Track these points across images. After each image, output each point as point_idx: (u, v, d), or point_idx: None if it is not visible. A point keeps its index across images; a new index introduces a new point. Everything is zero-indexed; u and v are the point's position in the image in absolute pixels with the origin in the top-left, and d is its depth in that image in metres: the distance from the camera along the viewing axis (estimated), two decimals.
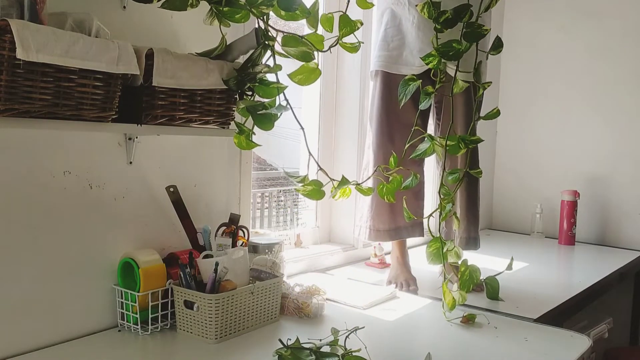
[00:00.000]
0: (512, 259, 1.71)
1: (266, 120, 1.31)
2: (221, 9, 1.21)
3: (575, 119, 2.82)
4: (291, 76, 1.35)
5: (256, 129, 1.34)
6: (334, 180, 1.45)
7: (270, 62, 1.32)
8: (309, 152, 1.39)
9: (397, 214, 1.87)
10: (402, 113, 1.83)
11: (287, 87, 1.32)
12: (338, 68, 2.19)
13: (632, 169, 2.68)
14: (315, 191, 1.38)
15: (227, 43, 1.35)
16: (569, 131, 2.83)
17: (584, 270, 2.31)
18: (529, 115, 2.99)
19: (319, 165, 1.42)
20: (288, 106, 1.32)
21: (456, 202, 1.86)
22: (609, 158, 2.74)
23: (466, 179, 1.82)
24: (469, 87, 1.82)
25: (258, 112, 1.30)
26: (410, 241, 2.02)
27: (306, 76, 1.36)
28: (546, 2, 2.89)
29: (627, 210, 2.70)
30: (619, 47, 2.70)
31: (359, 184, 1.51)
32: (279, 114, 1.32)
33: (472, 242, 1.85)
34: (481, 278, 1.66)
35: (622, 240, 2.70)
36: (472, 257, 2.15)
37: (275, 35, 1.31)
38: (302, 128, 1.36)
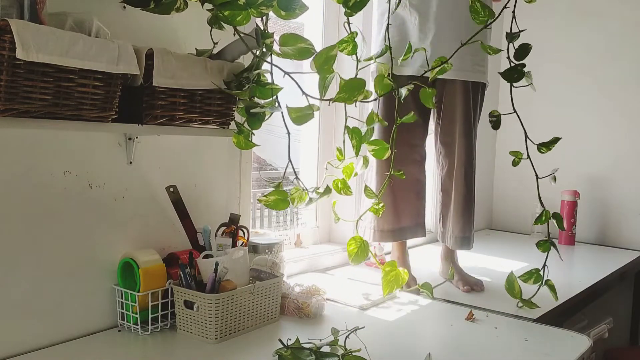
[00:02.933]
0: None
1: (255, 119, 1.31)
2: (222, 13, 1.21)
3: (575, 119, 2.82)
4: (290, 111, 1.31)
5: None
6: (305, 189, 1.40)
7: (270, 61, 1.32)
8: (289, 159, 1.35)
9: (401, 214, 1.87)
10: (404, 113, 1.83)
11: (282, 88, 1.32)
12: (338, 68, 2.18)
13: (632, 169, 2.68)
14: (278, 202, 1.34)
15: (226, 44, 1.35)
16: (569, 131, 2.83)
17: (584, 270, 2.31)
18: (529, 115, 2.97)
19: (296, 175, 1.39)
20: (279, 107, 1.32)
21: (451, 200, 1.86)
22: (609, 158, 2.74)
23: (462, 177, 1.82)
24: (467, 88, 1.82)
25: (249, 112, 1.30)
26: (410, 241, 2.02)
27: (301, 116, 1.32)
28: (546, 2, 2.89)
29: (627, 210, 2.70)
30: (619, 48, 2.70)
31: (317, 189, 1.46)
32: (267, 115, 1.32)
33: (465, 242, 1.85)
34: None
35: (622, 240, 2.70)
36: (472, 257, 2.16)
37: (272, 37, 1.31)
38: (288, 132, 1.34)
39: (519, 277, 1.66)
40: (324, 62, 1.30)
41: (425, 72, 1.53)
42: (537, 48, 2.93)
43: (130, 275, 1.35)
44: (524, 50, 1.60)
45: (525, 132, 1.71)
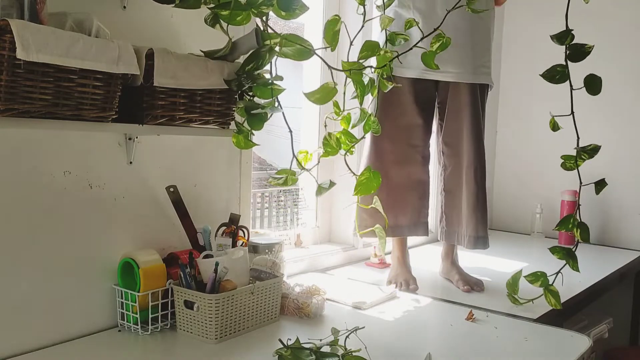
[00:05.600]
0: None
1: (257, 120, 1.31)
2: (222, 13, 1.20)
3: (575, 119, 2.81)
4: (308, 95, 1.33)
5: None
6: (318, 181, 1.41)
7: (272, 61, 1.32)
8: (294, 154, 1.36)
9: (398, 211, 1.87)
10: (403, 114, 1.83)
11: (284, 89, 1.32)
12: (338, 67, 2.18)
13: (632, 169, 2.68)
14: (287, 179, 1.35)
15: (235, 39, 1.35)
16: (569, 131, 2.83)
17: (584, 270, 2.30)
18: (529, 115, 2.98)
19: (302, 167, 1.39)
20: (279, 108, 1.32)
21: (461, 200, 1.86)
22: (609, 158, 2.74)
23: (473, 177, 1.82)
24: (475, 89, 1.82)
25: (250, 112, 1.30)
26: (410, 241, 2.02)
27: (323, 95, 1.35)
28: (546, 2, 2.89)
29: (627, 210, 2.70)
30: (619, 47, 2.69)
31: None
32: (269, 115, 1.31)
33: (480, 241, 1.83)
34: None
35: (622, 240, 2.70)
36: (472, 257, 2.16)
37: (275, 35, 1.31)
38: (291, 131, 1.34)
39: (524, 276, 1.65)
40: (332, 38, 1.34)
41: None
42: (536, 47, 2.95)
43: (130, 275, 1.35)
44: (579, 52, 1.54)
45: (578, 138, 1.69)
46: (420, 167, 1.90)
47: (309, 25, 2.19)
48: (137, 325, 1.33)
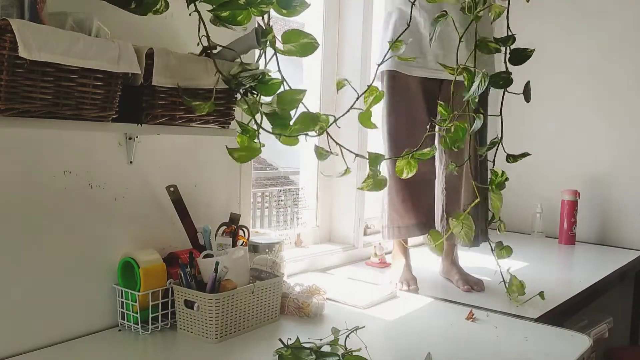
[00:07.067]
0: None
1: (277, 120, 1.30)
2: (221, 14, 1.20)
3: (575, 119, 2.82)
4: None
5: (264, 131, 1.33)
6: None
7: (272, 61, 1.32)
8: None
9: (412, 212, 1.87)
10: (415, 111, 1.84)
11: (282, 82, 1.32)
12: (338, 69, 2.19)
13: (632, 169, 2.68)
14: (378, 182, 1.43)
15: (227, 43, 1.35)
16: (569, 131, 2.83)
17: (585, 269, 2.31)
18: (529, 115, 2.98)
19: (335, 142, 1.40)
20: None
21: (461, 199, 1.86)
22: (609, 158, 2.74)
23: (472, 175, 1.82)
24: None
25: (265, 112, 1.28)
26: (410, 241, 2.02)
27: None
28: (548, 2, 2.89)
29: (627, 210, 2.70)
30: (619, 48, 2.69)
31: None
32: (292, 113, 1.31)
33: (477, 240, 1.83)
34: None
35: (622, 240, 2.70)
36: (472, 257, 2.16)
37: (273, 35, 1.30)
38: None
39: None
40: (288, 104, 1.30)
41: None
42: (538, 47, 2.94)
43: (131, 275, 1.35)
44: (520, 56, 1.60)
45: (501, 138, 1.78)
46: (429, 167, 1.90)
47: (309, 24, 2.19)
48: (138, 324, 1.33)
